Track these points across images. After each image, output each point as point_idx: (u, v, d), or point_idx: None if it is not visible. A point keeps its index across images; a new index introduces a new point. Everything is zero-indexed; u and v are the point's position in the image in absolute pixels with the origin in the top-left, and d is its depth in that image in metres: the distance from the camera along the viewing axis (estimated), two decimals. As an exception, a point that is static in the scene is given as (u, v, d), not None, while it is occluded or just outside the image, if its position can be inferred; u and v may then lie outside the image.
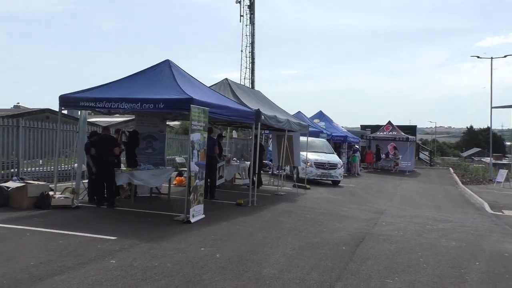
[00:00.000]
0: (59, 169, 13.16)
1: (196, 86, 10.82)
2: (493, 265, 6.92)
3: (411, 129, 37.00)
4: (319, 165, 18.46)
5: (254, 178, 12.66)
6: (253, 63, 42.11)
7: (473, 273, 6.36)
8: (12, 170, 12.91)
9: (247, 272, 5.68)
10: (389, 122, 32.57)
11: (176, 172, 15.29)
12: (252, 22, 41.65)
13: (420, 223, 10.31)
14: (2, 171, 12.59)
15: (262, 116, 11.58)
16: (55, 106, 10.98)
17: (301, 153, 16.32)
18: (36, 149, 13.84)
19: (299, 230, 8.67)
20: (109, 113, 12.82)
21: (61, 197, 9.69)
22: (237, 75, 41.72)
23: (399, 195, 16.88)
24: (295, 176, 16.88)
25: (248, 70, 42.27)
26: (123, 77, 10.55)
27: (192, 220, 8.56)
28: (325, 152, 19.93)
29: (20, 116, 22.29)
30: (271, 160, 19.77)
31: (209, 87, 12.43)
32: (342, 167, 19.94)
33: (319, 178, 18.63)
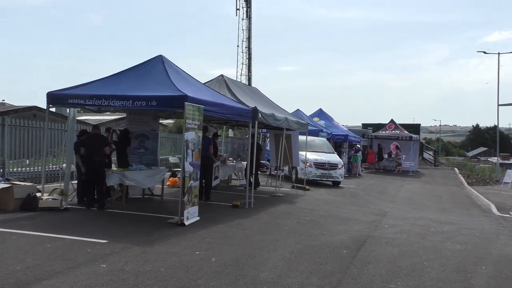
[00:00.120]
0: (47, 170, 13.12)
1: (190, 82, 10.81)
2: (501, 269, 6.95)
3: (414, 128, 37.11)
4: (318, 165, 18.49)
5: (251, 179, 12.67)
6: (249, 58, 42.17)
7: (480, 278, 6.38)
8: (-2, 170, 12.86)
9: (243, 277, 5.68)
10: (392, 121, 32.65)
11: (170, 173, 15.28)
12: (248, 16, 41.70)
13: (424, 226, 10.34)
14: (-13, 172, 12.53)
15: (260, 114, 11.59)
16: (43, 104, 10.97)
17: (300, 152, 16.33)
18: (23, 149, 13.78)
19: (298, 232, 8.68)
20: (99, 111, 12.78)
21: (49, 198, 9.67)
22: (233, 72, 41.84)
23: (402, 197, 16.92)
24: (293, 176, 16.90)
25: (244, 66, 42.32)
26: (114, 73, 10.53)
27: (186, 222, 8.56)
28: (325, 152, 19.96)
29: (6, 114, 22.18)
30: (268, 160, 19.80)
31: (204, 83, 12.44)
32: (343, 168, 19.98)
33: (318, 178, 18.65)
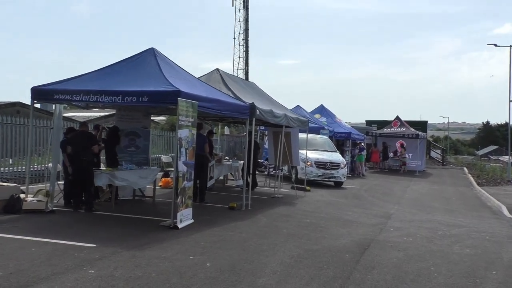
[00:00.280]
0: (32, 169, 13.09)
1: (183, 77, 10.80)
2: None
3: (421, 125, 37.15)
4: (320, 164, 18.50)
5: (248, 179, 12.67)
6: (247, 51, 42.19)
7: (490, 283, 6.40)
8: (-21, 170, 12.85)
9: (240, 283, 5.69)
10: (397, 117, 32.69)
11: (162, 173, 15.27)
12: (246, 6, 41.70)
13: (431, 229, 10.37)
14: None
15: (257, 111, 11.59)
16: (27, 99, 10.94)
17: (300, 151, 16.34)
18: (6, 147, 13.77)
19: (298, 236, 8.70)
20: (87, 107, 12.78)
21: (33, 200, 9.65)
22: (229, 65, 41.93)
23: (408, 198, 16.96)
24: (293, 177, 16.91)
25: (241, 59, 42.34)
26: (102, 67, 10.52)
27: (180, 225, 8.56)
28: (327, 151, 19.98)
29: (-12, 111, 22.17)
30: (267, 159, 19.78)
31: (198, 78, 12.43)
32: (345, 167, 20.00)
33: (320, 179, 18.67)
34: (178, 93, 8.74)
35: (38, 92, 10.05)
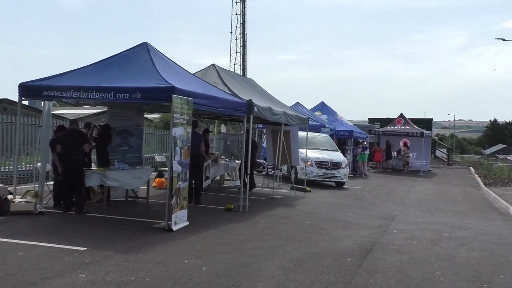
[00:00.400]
0: (19, 169, 13.08)
1: (178, 73, 10.80)
2: (520, 278, 6.99)
3: (426, 123, 37.19)
4: (320, 164, 18.51)
5: (246, 180, 12.67)
6: (244, 46, 42.19)
7: (497, 288, 6.42)
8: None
9: (237, 288, 5.69)
10: (401, 115, 32.73)
11: (156, 173, 15.27)
12: (243, -1, 41.65)
13: (436, 231, 10.38)
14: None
15: (255, 108, 11.58)
16: (14, 96, 10.92)
17: (300, 150, 16.34)
18: (-8, 146, 13.73)
19: (298, 239, 8.70)
20: (78, 104, 12.74)
21: (21, 201, 9.64)
22: (226, 61, 41.87)
23: (412, 199, 16.98)
24: (293, 177, 16.92)
25: (238, 54, 42.35)
26: (93, 62, 10.50)
27: (174, 228, 8.56)
28: (328, 150, 19.99)
29: (-27, 108, 22.12)
30: (265, 159, 19.79)
31: (194, 74, 12.42)
32: (347, 167, 20.01)
33: (320, 179, 18.68)
34: (172, 90, 8.73)
35: (26, 89, 10.03)
